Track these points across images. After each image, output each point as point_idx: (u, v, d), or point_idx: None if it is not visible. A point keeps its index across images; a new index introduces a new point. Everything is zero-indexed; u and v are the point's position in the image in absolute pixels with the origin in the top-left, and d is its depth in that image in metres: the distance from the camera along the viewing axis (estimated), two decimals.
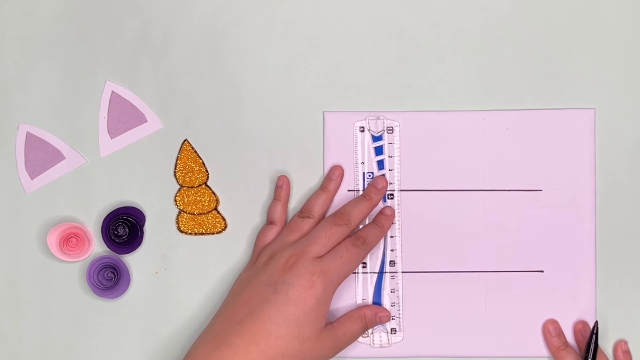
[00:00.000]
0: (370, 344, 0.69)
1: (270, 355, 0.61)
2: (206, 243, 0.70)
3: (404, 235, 0.69)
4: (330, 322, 0.65)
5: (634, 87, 0.69)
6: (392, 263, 0.69)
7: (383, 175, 0.69)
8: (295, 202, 0.69)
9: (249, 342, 0.61)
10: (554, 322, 0.68)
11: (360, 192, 0.69)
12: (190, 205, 0.70)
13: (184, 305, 0.69)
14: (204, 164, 0.70)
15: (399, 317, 0.69)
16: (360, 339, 0.69)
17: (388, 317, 0.68)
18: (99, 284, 0.68)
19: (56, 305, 0.70)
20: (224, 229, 0.70)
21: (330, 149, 0.69)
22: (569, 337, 0.68)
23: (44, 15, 0.71)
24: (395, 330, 0.69)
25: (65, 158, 0.70)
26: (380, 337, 0.69)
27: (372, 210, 0.68)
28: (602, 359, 0.67)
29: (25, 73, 0.70)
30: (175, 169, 0.70)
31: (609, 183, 0.69)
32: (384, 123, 0.69)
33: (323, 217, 0.68)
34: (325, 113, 0.70)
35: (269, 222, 0.69)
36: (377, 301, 0.69)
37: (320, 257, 0.64)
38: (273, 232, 0.68)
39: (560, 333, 0.68)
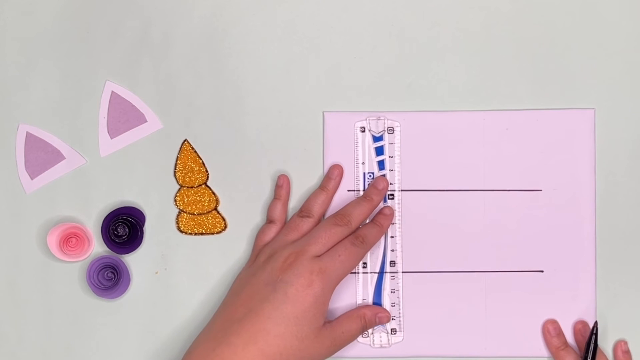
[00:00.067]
0: (370, 344, 0.69)
1: (269, 354, 0.61)
2: (206, 243, 0.70)
3: (404, 235, 0.69)
4: (329, 321, 0.65)
5: (634, 87, 0.69)
6: (393, 263, 0.69)
7: (384, 175, 0.69)
8: (295, 201, 0.69)
9: (248, 341, 0.61)
10: (553, 322, 0.68)
11: (361, 193, 0.69)
12: (190, 205, 0.70)
13: (184, 305, 0.69)
14: (204, 164, 0.70)
15: (399, 317, 0.69)
16: (360, 339, 0.69)
17: (388, 318, 0.68)
18: (99, 284, 0.68)
19: (56, 305, 0.70)
20: (223, 229, 0.70)
21: (330, 149, 0.69)
22: (569, 337, 0.68)
23: (44, 15, 0.71)
24: (396, 331, 0.69)
25: (65, 158, 0.70)
26: (381, 337, 0.69)
27: (372, 211, 0.68)
28: (602, 359, 0.67)
29: (25, 73, 0.70)
30: (175, 169, 0.70)
31: (609, 183, 0.69)
32: (384, 123, 0.69)
33: (322, 216, 0.68)
34: (325, 113, 0.70)
35: (269, 221, 0.69)
36: (377, 301, 0.69)
37: (319, 256, 0.64)
38: (273, 231, 0.68)
39: (560, 333, 0.68)
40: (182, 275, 0.70)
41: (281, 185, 0.69)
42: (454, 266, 0.69)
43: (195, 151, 0.70)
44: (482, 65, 0.70)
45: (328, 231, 0.65)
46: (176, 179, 0.70)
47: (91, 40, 0.70)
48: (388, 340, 0.69)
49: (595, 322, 0.67)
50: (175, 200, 0.70)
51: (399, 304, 0.69)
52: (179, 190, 0.70)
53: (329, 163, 0.69)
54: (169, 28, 0.70)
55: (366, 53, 0.70)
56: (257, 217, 0.70)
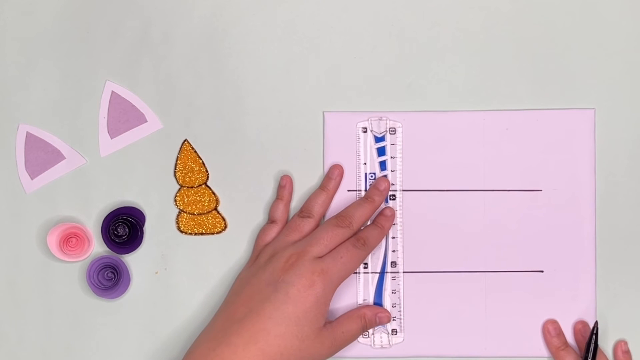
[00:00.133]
0: (371, 345, 0.69)
1: (270, 354, 0.61)
2: (206, 243, 0.70)
3: (405, 235, 0.69)
4: (330, 321, 0.65)
5: (634, 87, 0.69)
6: (394, 264, 0.69)
7: (385, 176, 0.69)
8: (295, 201, 0.69)
9: (248, 341, 0.61)
10: (554, 322, 0.68)
11: (363, 193, 0.69)
12: (190, 205, 0.70)
13: (184, 305, 0.69)
14: (204, 164, 0.70)
15: (399, 318, 0.69)
16: (361, 339, 0.69)
17: (388, 318, 0.68)
18: (99, 284, 0.68)
19: (56, 305, 0.70)
20: (224, 229, 0.70)
21: (330, 149, 0.69)
22: (569, 337, 0.68)
23: (44, 15, 0.71)
24: (396, 331, 0.69)
25: (65, 158, 0.70)
26: (381, 337, 0.69)
27: (374, 212, 0.68)
28: (602, 359, 0.67)
29: (25, 73, 0.70)
30: (175, 169, 0.70)
31: (609, 183, 0.69)
32: (386, 124, 0.69)
33: (323, 216, 0.68)
34: (325, 113, 0.70)
35: (270, 221, 0.69)
36: (378, 302, 0.69)
37: (320, 257, 0.64)
38: (274, 231, 0.68)
39: (560, 333, 0.68)
40: (182, 275, 0.70)
41: (284, 186, 0.69)
42: (454, 266, 0.69)
43: (195, 151, 0.70)
44: (482, 65, 0.70)
45: (330, 232, 0.65)
46: (176, 179, 0.70)
47: (91, 40, 0.70)
48: (389, 340, 0.69)
49: (596, 322, 0.67)
50: (175, 200, 0.70)
51: (399, 304, 0.69)
52: (179, 190, 0.70)
53: (329, 163, 0.69)
54: (169, 28, 0.70)
55: (366, 53, 0.70)
56: (257, 217, 0.70)
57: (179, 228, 0.70)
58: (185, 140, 0.70)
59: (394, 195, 0.69)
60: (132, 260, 0.70)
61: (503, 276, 0.69)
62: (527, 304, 0.69)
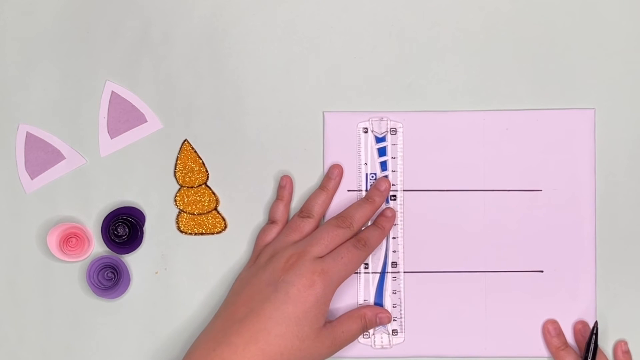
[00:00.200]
0: (371, 345, 0.69)
1: (270, 354, 0.61)
2: (206, 243, 0.70)
3: (406, 236, 0.69)
4: (330, 321, 0.65)
5: (634, 87, 0.69)
6: (394, 264, 0.69)
7: (386, 176, 0.69)
8: (295, 201, 0.69)
9: (249, 340, 0.61)
10: (553, 322, 0.68)
11: (363, 194, 0.69)
12: (190, 205, 0.70)
13: (184, 305, 0.69)
14: (204, 164, 0.70)
15: (400, 318, 0.69)
16: (362, 339, 0.69)
17: (389, 319, 0.68)
18: (99, 284, 0.68)
19: (56, 305, 0.70)
20: (224, 229, 0.70)
21: (330, 149, 0.69)
22: (569, 337, 0.68)
23: (44, 15, 0.71)
24: (397, 332, 0.69)
25: (65, 158, 0.70)
26: (382, 338, 0.69)
27: (374, 212, 0.68)
28: (602, 359, 0.67)
29: (25, 73, 0.70)
30: (175, 169, 0.70)
31: (609, 183, 0.69)
32: (387, 124, 0.69)
33: (323, 216, 0.68)
34: (325, 113, 0.70)
35: (271, 221, 0.69)
36: (378, 302, 0.69)
37: (321, 257, 0.64)
38: (274, 231, 0.68)
39: (560, 333, 0.68)
40: (182, 275, 0.70)
41: (284, 186, 0.69)
42: (454, 266, 0.69)
43: (195, 151, 0.70)
44: (482, 65, 0.70)
45: (330, 233, 0.65)
46: (176, 179, 0.70)
47: (91, 40, 0.70)
48: (389, 341, 0.69)
49: (596, 322, 0.67)
50: (175, 200, 0.70)
51: (400, 305, 0.69)
52: (179, 190, 0.70)
53: (329, 163, 0.69)
54: (169, 28, 0.70)
55: (366, 53, 0.70)
56: (257, 217, 0.70)
57: (179, 228, 0.70)
58: (185, 140, 0.70)
59: (394, 196, 0.69)
60: (132, 260, 0.70)
61: (503, 276, 0.69)
62: (527, 304, 0.69)
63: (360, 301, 0.69)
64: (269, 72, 0.70)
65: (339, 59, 0.70)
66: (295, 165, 0.70)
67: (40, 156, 0.70)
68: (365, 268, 0.69)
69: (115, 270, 0.68)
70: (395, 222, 0.69)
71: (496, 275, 0.69)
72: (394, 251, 0.69)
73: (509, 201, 0.69)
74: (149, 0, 0.70)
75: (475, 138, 0.69)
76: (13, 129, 0.70)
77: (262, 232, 0.68)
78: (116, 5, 0.70)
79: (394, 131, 0.69)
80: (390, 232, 0.69)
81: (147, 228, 0.70)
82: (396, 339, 0.69)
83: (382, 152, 0.69)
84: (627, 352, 0.68)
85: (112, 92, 0.70)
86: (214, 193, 0.70)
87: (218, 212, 0.70)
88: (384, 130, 0.69)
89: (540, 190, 0.69)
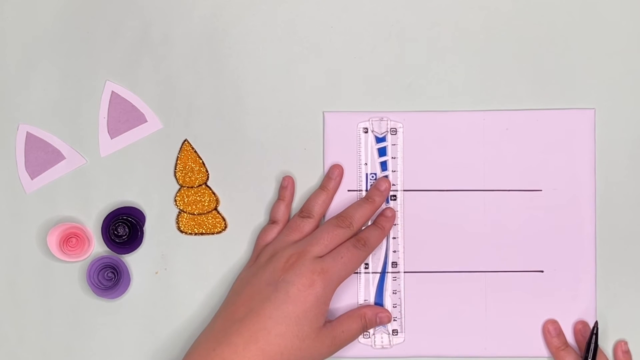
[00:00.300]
0: (371, 345, 0.69)
1: (270, 354, 0.61)
2: (206, 243, 0.70)
3: (406, 236, 0.69)
4: (330, 320, 0.65)
5: (634, 87, 0.69)
6: (395, 264, 0.69)
7: (386, 176, 0.69)
8: (295, 202, 0.69)
9: (249, 340, 0.61)
10: (554, 322, 0.68)
11: (363, 193, 0.69)
12: (190, 205, 0.70)
13: (184, 305, 0.69)
14: (204, 164, 0.70)
15: (400, 318, 0.69)
16: (362, 339, 0.69)
17: (389, 318, 0.68)
18: (99, 284, 0.68)
19: (56, 305, 0.70)
20: (224, 229, 0.70)
21: (330, 149, 0.69)
22: (569, 337, 0.68)
23: (44, 15, 0.71)
24: (397, 332, 0.69)
25: (65, 158, 0.70)
26: (382, 338, 0.69)
27: (374, 212, 0.68)
28: (602, 359, 0.67)
29: (25, 73, 0.70)
30: (175, 169, 0.70)
31: (609, 183, 0.69)
32: (387, 124, 0.69)
33: (323, 216, 0.68)
34: (325, 113, 0.70)
35: (272, 221, 0.69)
36: (379, 302, 0.69)
37: (321, 257, 0.64)
38: (274, 231, 0.68)
39: (560, 333, 0.68)
40: (182, 275, 0.70)
41: (285, 187, 0.69)
42: (455, 266, 0.69)
43: (195, 151, 0.70)
44: (482, 65, 0.70)
45: (330, 233, 0.65)
46: (176, 179, 0.70)
47: (91, 40, 0.70)
48: (389, 341, 0.69)
49: (596, 322, 0.67)
50: (175, 200, 0.70)
51: (400, 305, 0.69)
52: (179, 190, 0.70)
53: (329, 163, 0.69)
54: (169, 28, 0.70)
55: (366, 53, 0.70)
56: (257, 217, 0.70)
57: (179, 228, 0.70)
58: (185, 140, 0.70)
59: (394, 196, 0.69)
60: (132, 260, 0.70)
61: (503, 276, 0.69)
62: (527, 304, 0.69)
63: (361, 301, 0.69)
64: (269, 72, 0.70)
65: (339, 58, 0.70)
66: (296, 165, 0.70)
67: (40, 156, 0.70)
68: (366, 268, 0.69)
69: (115, 270, 0.68)
70: (395, 222, 0.69)
71: (496, 275, 0.69)
72: (394, 251, 0.69)
73: (509, 201, 0.69)
74: (149, 0, 0.70)
75: (475, 138, 0.69)
76: (13, 129, 0.70)
77: (263, 232, 0.68)
78: (116, 5, 0.70)
79: (394, 131, 0.69)
80: (391, 232, 0.69)
81: (147, 228, 0.70)
82: (396, 339, 0.69)
83: (382, 152, 0.69)
84: (627, 352, 0.68)
85: (112, 92, 0.70)
86: (214, 193, 0.70)
87: (218, 212, 0.70)
88: (384, 130, 0.69)
89: (540, 190, 0.69)
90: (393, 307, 0.69)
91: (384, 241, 0.69)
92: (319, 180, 0.69)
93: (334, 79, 0.70)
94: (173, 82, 0.70)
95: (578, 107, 0.69)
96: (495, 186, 0.69)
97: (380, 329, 0.69)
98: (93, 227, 0.70)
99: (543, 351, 0.69)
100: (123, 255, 0.70)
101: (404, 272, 0.69)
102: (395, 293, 0.69)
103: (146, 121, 0.70)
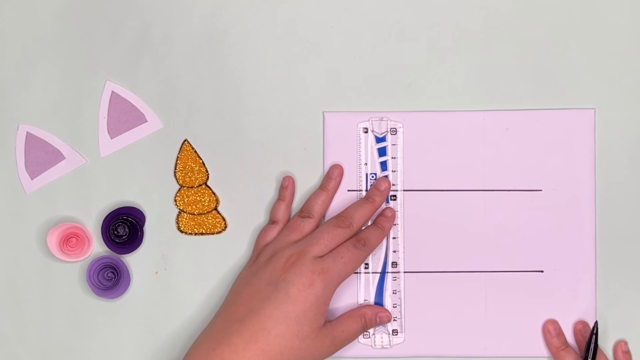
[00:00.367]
0: (371, 345, 0.69)
1: (270, 354, 0.61)
2: (206, 243, 0.70)
3: (406, 236, 0.69)
4: (330, 320, 0.65)
5: (634, 87, 0.69)
6: (395, 264, 0.69)
7: (386, 176, 0.69)
8: (295, 202, 0.69)
9: (249, 340, 0.61)
10: (554, 322, 0.68)
11: (363, 193, 0.69)
12: (190, 205, 0.70)
13: (184, 305, 0.69)
14: (204, 164, 0.70)
15: (400, 318, 0.69)
16: (362, 339, 0.69)
17: (389, 318, 0.68)
18: (99, 284, 0.68)
19: (56, 305, 0.70)
20: (224, 229, 0.70)
21: (330, 149, 0.69)
22: (569, 337, 0.68)
23: (44, 15, 0.71)
24: (397, 332, 0.69)
25: (65, 158, 0.70)
26: (382, 338, 0.69)
27: (374, 212, 0.68)
28: (602, 359, 0.67)
29: (25, 73, 0.70)
30: (175, 169, 0.70)
31: (609, 183, 0.69)
32: (387, 124, 0.69)
33: (323, 216, 0.68)
34: (325, 113, 0.70)
35: (272, 221, 0.69)
36: (379, 302, 0.69)
37: (321, 256, 0.64)
38: (274, 231, 0.68)
39: (560, 333, 0.68)
40: (182, 275, 0.70)
41: (286, 187, 0.69)
42: (455, 266, 0.69)
43: (195, 151, 0.70)
44: (482, 65, 0.70)
45: (330, 233, 0.65)
46: (176, 179, 0.70)
47: (91, 40, 0.70)
48: (389, 341, 0.69)
49: (596, 322, 0.67)
50: (175, 200, 0.70)
51: (400, 305, 0.69)
52: (179, 190, 0.70)
53: (329, 163, 0.69)
54: (169, 28, 0.70)
55: (366, 53, 0.70)
56: (257, 217, 0.70)
57: (179, 228, 0.70)
58: (185, 140, 0.70)
59: (394, 196, 0.69)
60: (132, 260, 0.70)
61: (503, 276, 0.69)
62: (527, 304, 0.69)
63: (361, 301, 0.69)
64: (269, 72, 0.70)
65: (339, 58, 0.70)
66: (296, 165, 0.70)
67: (40, 156, 0.70)
68: (366, 268, 0.69)
69: (115, 270, 0.68)
70: (395, 222, 0.69)
71: (496, 275, 0.69)
72: (394, 251, 0.69)
73: (509, 201, 0.69)
74: (149, 0, 0.70)
75: (475, 138, 0.69)
76: (13, 129, 0.70)
77: (263, 231, 0.68)
78: (116, 5, 0.70)
79: (394, 131, 0.69)
80: (390, 232, 0.69)
81: (147, 228, 0.70)
82: (396, 339, 0.69)
83: (382, 152, 0.69)
84: (627, 352, 0.68)
85: (112, 92, 0.70)
86: (214, 193, 0.70)
87: (218, 212, 0.70)
88: (384, 130, 0.69)
89: (540, 190, 0.69)
90: (393, 307, 0.69)
91: (384, 241, 0.69)
92: (319, 180, 0.69)
93: (334, 79, 0.70)
94: (173, 82, 0.70)
95: (578, 107, 0.69)
96: (495, 186, 0.69)
97: (380, 329, 0.69)
98: (93, 227, 0.70)
99: (543, 351, 0.69)
100: (123, 255, 0.70)
101: (404, 272, 0.69)
102: (395, 293, 0.69)
103: (146, 121, 0.70)
